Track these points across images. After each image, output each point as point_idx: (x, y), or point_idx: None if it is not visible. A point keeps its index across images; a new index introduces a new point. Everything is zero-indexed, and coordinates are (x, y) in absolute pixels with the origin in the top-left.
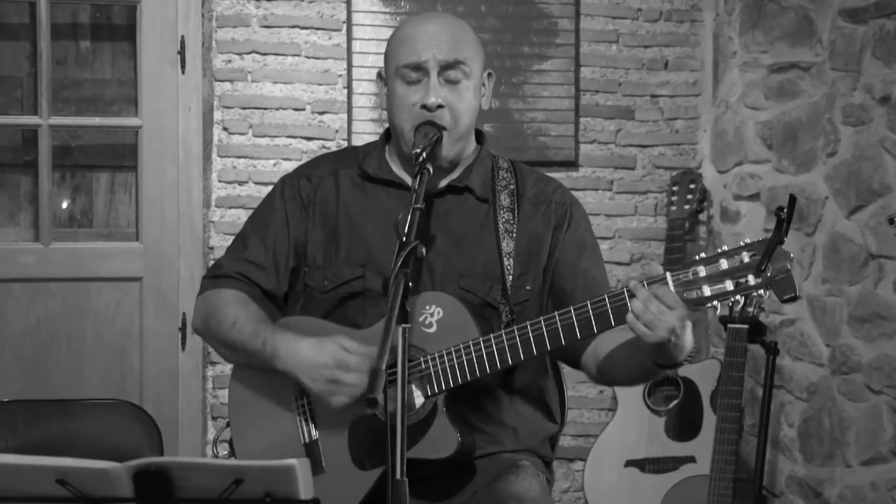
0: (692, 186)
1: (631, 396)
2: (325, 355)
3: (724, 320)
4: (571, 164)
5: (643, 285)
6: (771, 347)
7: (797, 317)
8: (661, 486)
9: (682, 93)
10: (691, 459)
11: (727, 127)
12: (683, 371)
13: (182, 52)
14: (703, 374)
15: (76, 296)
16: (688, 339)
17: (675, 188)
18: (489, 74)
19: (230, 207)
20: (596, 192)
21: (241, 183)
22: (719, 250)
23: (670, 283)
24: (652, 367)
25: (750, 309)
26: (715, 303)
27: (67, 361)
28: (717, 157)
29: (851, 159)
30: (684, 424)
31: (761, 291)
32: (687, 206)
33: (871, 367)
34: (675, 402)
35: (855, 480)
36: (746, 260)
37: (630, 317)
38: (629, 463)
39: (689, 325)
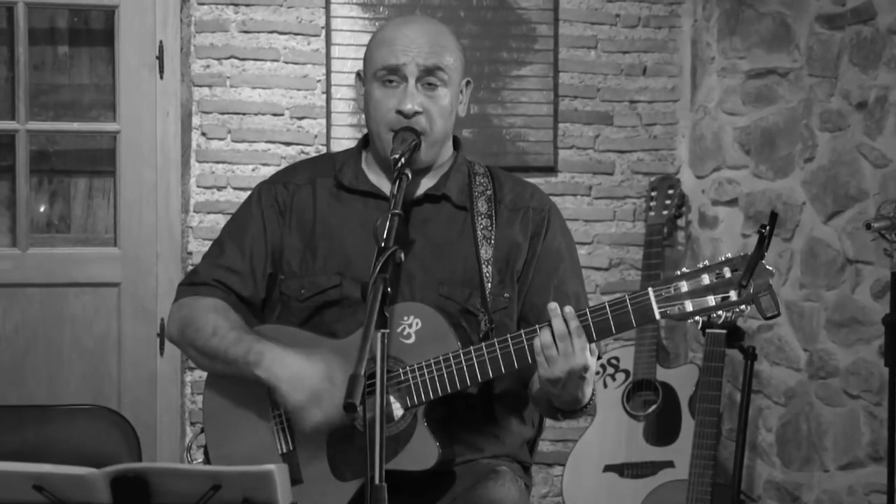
0: (670, 192)
1: (609, 401)
2: (312, 368)
3: (702, 325)
4: (550, 170)
5: (571, 315)
6: (749, 352)
7: (775, 322)
8: (640, 491)
9: (660, 98)
10: (669, 464)
11: (705, 132)
12: (661, 376)
13: (160, 57)
14: (682, 379)
15: (54, 301)
16: (585, 390)
17: (653, 193)
18: (468, 82)
19: (209, 213)
20: (574, 198)
21: (219, 188)
22: (700, 265)
23: (652, 299)
24: (552, 409)
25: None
26: (697, 318)
27: (45, 367)
28: (696, 162)
29: (829, 165)
30: (663, 429)
31: (743, 307)
32: (665, 212)
33: (848, 371)
34: (653, 406)
35: (832, 485)
36: (728, 275)
37: (536, 344)
38: (608, 468)
39: (589, 377)
